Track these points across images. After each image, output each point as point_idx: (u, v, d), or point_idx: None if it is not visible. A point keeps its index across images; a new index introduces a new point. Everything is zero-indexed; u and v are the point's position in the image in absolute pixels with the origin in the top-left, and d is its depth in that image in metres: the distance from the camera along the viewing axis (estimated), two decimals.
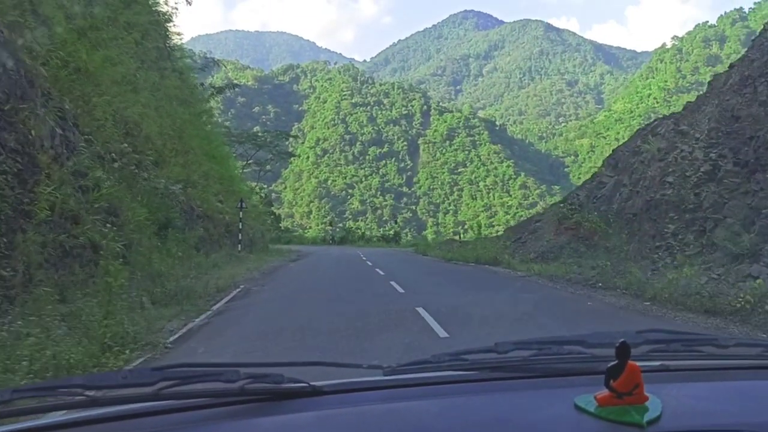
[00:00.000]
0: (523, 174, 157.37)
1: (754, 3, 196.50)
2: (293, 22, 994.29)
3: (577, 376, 1.56)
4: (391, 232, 77.13)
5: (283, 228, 75.36)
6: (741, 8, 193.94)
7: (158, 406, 1.39)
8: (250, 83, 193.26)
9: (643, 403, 1.27)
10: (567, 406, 1.31)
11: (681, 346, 1.76)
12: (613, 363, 1.29)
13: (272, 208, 74.42)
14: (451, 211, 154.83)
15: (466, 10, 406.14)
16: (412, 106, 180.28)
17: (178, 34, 30.13)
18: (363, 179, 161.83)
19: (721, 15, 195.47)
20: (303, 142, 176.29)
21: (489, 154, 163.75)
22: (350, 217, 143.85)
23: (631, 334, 1.62)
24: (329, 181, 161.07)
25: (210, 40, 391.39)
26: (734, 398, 1.47)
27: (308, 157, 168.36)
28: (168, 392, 1.37)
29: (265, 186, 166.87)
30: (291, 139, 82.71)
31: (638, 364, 1.34)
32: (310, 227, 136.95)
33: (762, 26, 22.18)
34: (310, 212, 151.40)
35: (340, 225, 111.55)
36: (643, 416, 1.22)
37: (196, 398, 1.42)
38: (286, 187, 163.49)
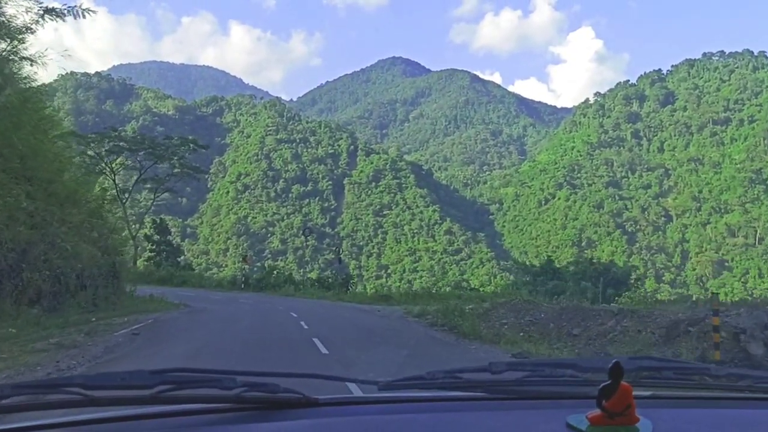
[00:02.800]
0: (448, 219, 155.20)
1: (672, 66, 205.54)
2: (221, 57, 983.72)
3: (570, 399, 1.56)
4: (333, 277, 52.20)
5: (182, 265, 60.41)
6: (660, 69, 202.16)
7: (155, 410, 1.40)
8: (170, 112, 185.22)
9: (635, 424, 1.29)
10: (559, 425, 1.33)
11: (673, 373, 1.78)
12: (605, 383, 1.31)
13: (170, 238, 60.43)
14: (374, 254, 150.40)
15: (394, 57, 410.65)
16: (339, 145, 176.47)
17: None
18: (285, 217, 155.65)
19: (641, 75, 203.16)
20: (224, 177, 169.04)
21: (415, 198, 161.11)
22: (269, 256, 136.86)
23: (625, 360, 1.61)
24: (249, 218, 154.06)
25: (133, 69, 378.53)
26: (725, 426, 1.50)
27: (228, 192, 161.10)
28: (166, 396, 1.39)
29: (180, 220, 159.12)
30: (200, 150, 66.80)
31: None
32: (226, 265, 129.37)
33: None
34: (227, 250, 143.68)
35: (259, 263, 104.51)
36: None
37: (193, 403, 1.44)
38: (202, 222, 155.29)
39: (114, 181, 56.45)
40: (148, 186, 64.93)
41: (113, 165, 56.30)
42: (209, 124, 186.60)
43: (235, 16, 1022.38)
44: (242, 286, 47.52)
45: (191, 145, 61.58)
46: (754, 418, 1.59)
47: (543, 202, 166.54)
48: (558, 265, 42.20)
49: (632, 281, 36.59)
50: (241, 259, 60.61)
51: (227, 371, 1.55)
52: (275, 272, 52.42)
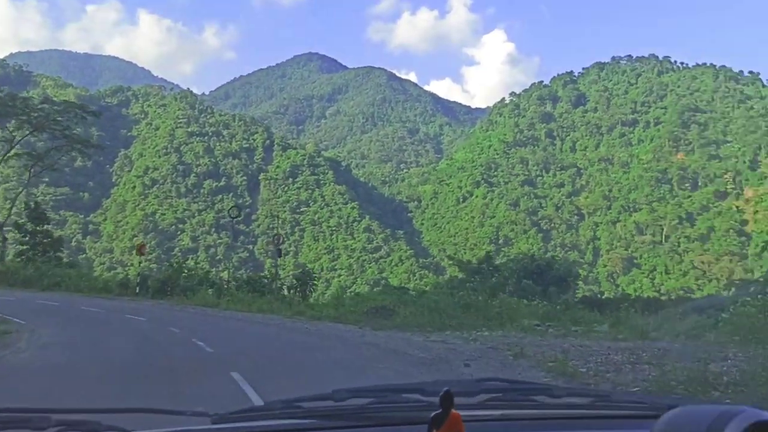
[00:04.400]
0: (368, 217, 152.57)
1: (583, 68, 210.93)
2: (128, 48, 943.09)
3: (411, 424, 1.54)
4: (271, 276, 39.31)
5: (66, 261, 48.47)
6: (572, 72, 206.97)
7: None
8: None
9: None
10: None
11: (517, 395, 1.78)
12: (436, 412, 1.29)
13: (48, 227, 46.62)
14: (291, 252, 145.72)
15: (311, 52, 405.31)
16: (254, 139, 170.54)
17: None
18: (196, 214, 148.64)
19: (554, 76, 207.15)
20: (130, 170, 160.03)
21: (333, 195, 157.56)
22: (179, 254, 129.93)
23: (470, 383, 1.65)
24: (157, 215, 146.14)
25: (32, 58, 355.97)
26: None
27: (134, 187, 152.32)
28: None
29: (81, 216, 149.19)
30: (90, 118, 52.91)
31: (473, 411, 1.36)
32: (132, 264, 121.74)
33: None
34: (133, 248, 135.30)
35: (167, 263, 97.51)
36: None
37: None
38: (106, 219, 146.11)
39: None
40: (23, 163, 53.69)
41: None
42: (114, 115, 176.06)
43: (144, 5, 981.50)
44: (137, 290, 34.33)
45: (78, 111, 49.40)
46: None
47: (461, 200, 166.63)
48: (497, 262, 39.97)
49: (571, 279, 34.73)
50: (135, 250, 45.59)
51: (41, 409, 1.42)
52: (186, 271, 38.98)
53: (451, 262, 59.56)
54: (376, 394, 1.77)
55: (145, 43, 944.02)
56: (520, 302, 25.16)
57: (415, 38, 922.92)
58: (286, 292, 35.77)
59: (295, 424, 1.63)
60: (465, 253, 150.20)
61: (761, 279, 23.84)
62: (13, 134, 47.56)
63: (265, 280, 37.37)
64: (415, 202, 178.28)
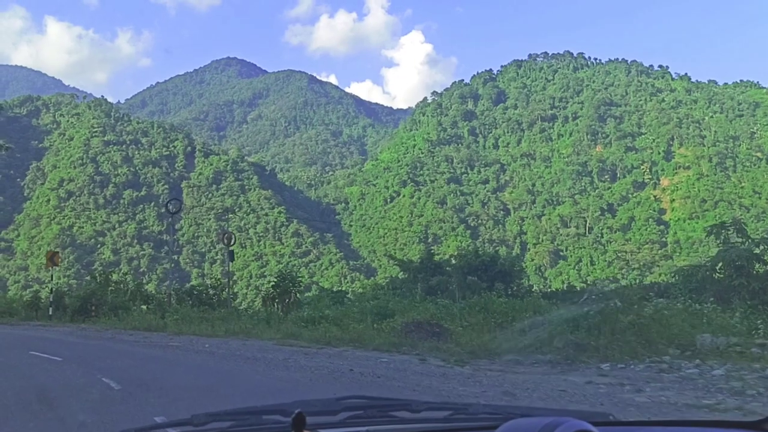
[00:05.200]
0: (295, 221, 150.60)
1: (501, 66, 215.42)
2: (36, 57, 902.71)
3: None
4: (219, 285, 32.78)
5: None
6: (491, 70, 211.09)
7: None
8: None
9: None
10: None
11: (377, 411, 1.80)
12: None
13: None
14: (218, 261, 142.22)
15: (229, 57, 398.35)
16: (175, 146, 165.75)
17: None
18: (116, 226, 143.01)
19: (474, 75, 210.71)
20: (43, 183, 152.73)
21: (259, 200, 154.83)
22: (100, 268, 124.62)
23: (331, 402, 1.66)
24: (75, 228, 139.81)
25: None
26: None
27: (49, 200, 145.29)
28: None
29: None
30: None
31: (335, 430, 1.40)
32: (49, 280, 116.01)
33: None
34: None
35: (87, 278, 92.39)
36: None
37: None
38: (19, 235, 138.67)
39: None
40: None
41: None
42: (24, 126, 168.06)
43: (52, 12, 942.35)
44: (50, 312, 27.76)
45: None
46: None
47: (388, 200, 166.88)
48: (438, 259, 39.64)
49: (516, 271, 34.77)
50: (45, 261, 34.15)
51: None
52: (113, 284, 31.80)
53: (392, 261, 58.40)
54: (235, 417, 1.75)
55: (54, 52, 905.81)
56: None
57: (334, 41, 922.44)
58: (241, 304, 32.89)
59: None
60: (396, 252, 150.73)
61: (708, 263, 24.02)
62: None
63: (212, 291, 30.43)
64: (343, 204, 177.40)
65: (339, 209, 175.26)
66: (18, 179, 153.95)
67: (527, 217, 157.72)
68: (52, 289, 29.29)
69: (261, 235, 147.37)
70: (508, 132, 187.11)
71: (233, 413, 1.82)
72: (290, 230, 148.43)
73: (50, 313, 27.62)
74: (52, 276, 31.05)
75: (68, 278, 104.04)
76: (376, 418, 1.79)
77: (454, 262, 36.19)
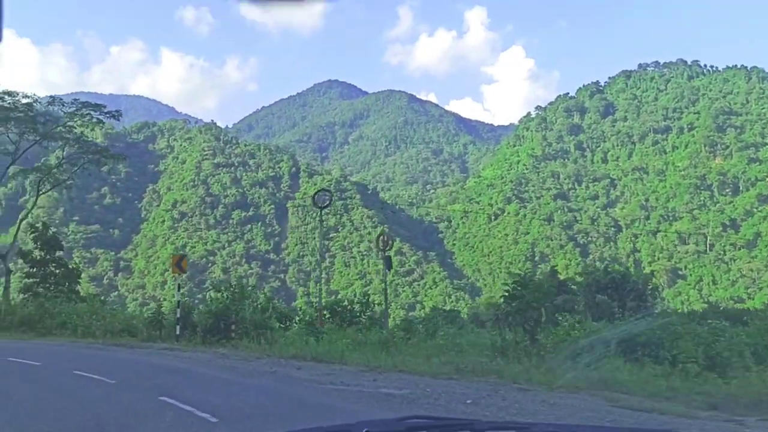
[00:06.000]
0: (398, 239, 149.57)
1: (609, 78, 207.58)
2: (152, 86, 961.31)
3: None
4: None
5: (83, 295, 36.65)
6: (597, 82, 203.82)
7: None
8: (99, 140, 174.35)
9: None
10: None
11: (440, 431, 1.67)
12: None
13: (60, 254, 36.47)
14: (323, 280, 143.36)
15: (330, 80, 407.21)
16: (280, 167, 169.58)
17: None
18: (226, 245, 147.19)
19: (580, 87, 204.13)
20: (158, 205, 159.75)
21: (362, 219, 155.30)
22: (210, 287, 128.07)
23: (393, 422, 1.66)
24: (188, 248, 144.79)
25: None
26: None
27: (164, 221, 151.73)
28: None
29: (112, 252, 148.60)
30: (105, 118, 41.18)
31: None
32: (164, 299, 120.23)
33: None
34: (165, 282, 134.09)
35: (200, 296, 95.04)
36: None
37: None
38: (137, 255, 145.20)
39: None
40: (30, 177, 43.46)
41: None
42: (141, 151, 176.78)
43: (167, 44, 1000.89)
44: (177, 331, 22.45)
45: (92, 114, 39.18)
46: None
47: (492, 218, 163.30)
48: (563, 277, 36.83)
49: (650, 290, 31.50)
50: (171, 266, 28.59)
51: None
52: (263, 304, 25.16)
53: (511, 278, 54.65)
54: None
55: (168, 80, 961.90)
56: None
57: (433, 59, 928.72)
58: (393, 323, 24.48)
59: None
60: (500, 271, 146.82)
61: None
62: (18, 145, 38.77)
63: (356, 307, 25.09)
64: (445, 223, 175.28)
65: (441, 227, 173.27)
66: (136, 201, 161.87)
67: (641, 234, 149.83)
68: (179, 303, 23.44)
69: (364, 254, 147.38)
70: (617, 145, 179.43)
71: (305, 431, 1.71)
72: (393, 249, 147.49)
73: (177, 332, 22.55)
74: (178, 286, 24.50)
75: (182, 296, 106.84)
76: None
77: (580, 279, 33.27)
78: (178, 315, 22.98)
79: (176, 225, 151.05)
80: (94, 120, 39.41)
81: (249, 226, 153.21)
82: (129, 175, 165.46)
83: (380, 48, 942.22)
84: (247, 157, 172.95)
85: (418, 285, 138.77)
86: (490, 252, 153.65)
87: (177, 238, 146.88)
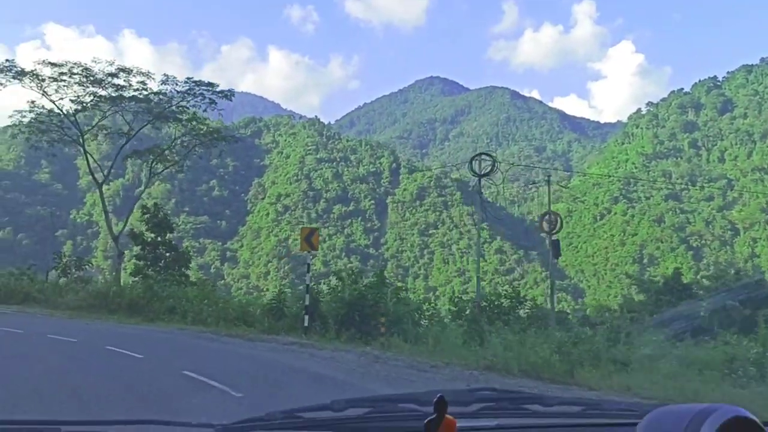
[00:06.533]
0: (498, 238, 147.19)
1: (728, 72, 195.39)
2: (259, 83, 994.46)
3: None
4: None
5: (193, 279, 35.82)
6: (715, 77, 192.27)
7: None
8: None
9: None
10: None
11: (509, 404, 1.81)
12: (431, 417, 1.31)
13: (171, 237, 35.68)
14: (421, 276, 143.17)
15: (432, 76, 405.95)
16: (381, 163, 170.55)
17: None
18: (327, 239, 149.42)
19: (696, 83, 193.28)
20: (263, 198, 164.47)
21: (462, 216, 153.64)
22: (312, 280, 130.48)
23: (463, 393, 1.70)
24: (290, 240, 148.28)
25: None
26: None
27: (268, 214, 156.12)
28: None
29: (219, 243, 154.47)
30: (217, 98, 38.36)
31: (468, 421, 1.39)
32: (267, 290, 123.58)
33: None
34: (268, 273, 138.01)
35: (300, 286, 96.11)
36: None
37: None
38: (242, 245, 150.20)
39: (85, 152, 38.22)
40: (143, 159, 41.36)
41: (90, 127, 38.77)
42: (248, 146, 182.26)
43: (274, 42, 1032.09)
44: (305, 324, 19.10)
45: (205, 94, 37.14)
46: None
47: (598, 218, 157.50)
48: (686, 280, 34.44)
49: None
50: (300, 241, 22.99)
51: (49, 421, 1.39)
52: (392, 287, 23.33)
53: (630, 280, 52.25)
54: (372, 404, 1.78)
55: (274, 78, 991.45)
56: None
57: (538, 55, 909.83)
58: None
59: None
60: (605, 273, 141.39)
61: None
62: (131, 125, 37.73)
63: (505, 302, 22.02)
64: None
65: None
66: (242, 194, 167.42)
67: (760, 239, 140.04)
68: (307, 288, 19.72)
69: (464, 251, 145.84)
70: (736, 144, 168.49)
71: (370, 400, 1.83)
72: (493, 247, 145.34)
73: (305, 324, 18.73)
74: (308, 266, 20.72)
75: (286, 286, 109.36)
76: (509, 410, 1.79)
77: (707, 283, 30.86)
78: (307, 302, 19.25)
79: (280, 218, 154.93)
80: (207, 100, 37.55)
81: (349, 220, 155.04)
82: (236, 168, 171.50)
83: (483, 44, 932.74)
84: (348, 153, 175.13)
85: (519, 284, 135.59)
86: (595, 253, 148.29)
87: (280, 231, 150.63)
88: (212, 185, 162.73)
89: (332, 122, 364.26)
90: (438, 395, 1.35)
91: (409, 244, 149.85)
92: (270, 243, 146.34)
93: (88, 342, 16.77)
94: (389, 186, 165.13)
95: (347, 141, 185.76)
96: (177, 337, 19.18)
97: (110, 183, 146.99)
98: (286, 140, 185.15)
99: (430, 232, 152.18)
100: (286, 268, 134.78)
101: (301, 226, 39.86)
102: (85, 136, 38.04)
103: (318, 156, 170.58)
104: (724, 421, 1.09)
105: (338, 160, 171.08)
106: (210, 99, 37.44)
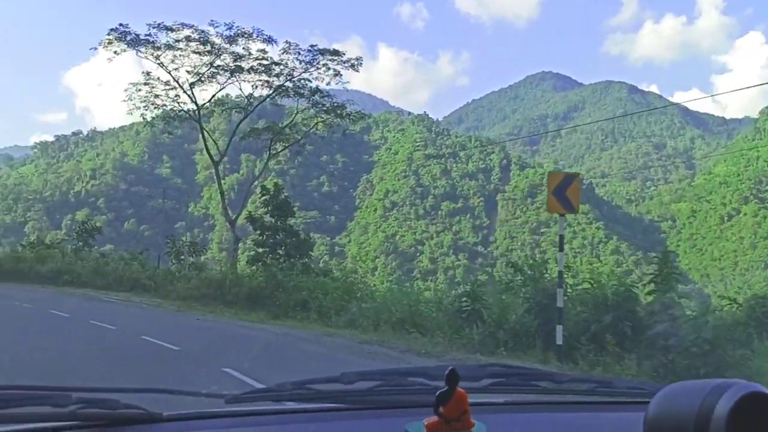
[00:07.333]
0: (615, 238, 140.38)
1: None
2: (368, 81, 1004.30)
3: (417, 407, 1.57)
4: None
5: (316, 269, 32.87)
6: None
7: None
8: (320, 131, 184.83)
9: (470, 429, 1.33)
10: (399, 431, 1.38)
11: (519, 380, 1.82)
12: (442, 390, 1.32)
13: (291, 222, 33.47)
14: None
15: (543, 72, 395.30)
16: (491, 159, 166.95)
17: None
18: (434, 236, 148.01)
19: None
20: (371, 194, 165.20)
21: (576, 215, 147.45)
22: (419, 276, 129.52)
23: (473, 368, 1.70)
24: (397, 236, 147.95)
25: None
26: (561, 429, 1.55)
27: (376, 210, 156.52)
28: None
29: (328, 238, 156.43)
30: (343, 68, 34.15)
31: (478, 396, 1.42)
32: (374, 285, 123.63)
33: None
34: (376, 269, 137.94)
35: (407, 282, 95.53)
36: None
37: (22, 423, 1.33)
38: (350, 241, 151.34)
39: (201, 128, 35.33)
40: (263, 138, 37.24)
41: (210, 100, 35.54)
42: (357, 142, 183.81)
43: (383, 39, 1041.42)
44: (558, 342, 12.03)
45: (329, 64, 33.30)
46: (590, 421, 1.66)
47: (725, 219, 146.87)
48: None
49: None
50: (548, 193, 13.28)
51: (60, 387, 1.44)
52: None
53: None
54: (382, 377, 1.79)
55: (383, 75, 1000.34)
56: None
57: (658, 48, 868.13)
58: None
59: (308, 406, 1.69)
60: (733, 278, 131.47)
61: None
62: (249, 100, 34.94)
63: None
64: (669, 222, 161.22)
65: (664, 227, 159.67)
66: (351, 190, 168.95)
67: None
68: (560, 274, 13.36)
69: (577, 251, 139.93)
70: None
71: (380, 373, 1.84)
72: (609, 247, 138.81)
73: (558, 341, 12.10)
74: (560, 240, 14.40)
75: (393, 283, 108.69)
76: (519, 386, 1.79)
77: None
78: (560, 304, 12.35)
79: (387, 214, 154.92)
80: (331, 71, 33.53)
81: (457, 217, 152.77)
82: (345, 164, 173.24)
83: (599, 37, 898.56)
84: (457, 149, 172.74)
85: (636, 288, 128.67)
86: (722, 256, 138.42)
87: (388, 227, 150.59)
88: (322, 181, 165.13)
89: (440, 119, 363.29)
90: (449, 368, 1.37)
91: (519, 243, 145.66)
92: (377, 239, 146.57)
93: (196, 354, 12.40)
94: (499, 183, 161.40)
95: (456, 137, 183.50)
96: (334, 351, 13.80)
97: (224, 178, 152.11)
98: (394, 136, 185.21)
99: (542, 230, 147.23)
100: (394, 264, 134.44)
101: (550, 172, 27.89)
102: (202, 112, 35.46)
103: (426, 152, 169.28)
104: (740, 396, 1.06)
105: (447, 156, 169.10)
106: (335, 70, 33.58)
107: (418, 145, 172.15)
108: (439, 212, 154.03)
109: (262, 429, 1.47)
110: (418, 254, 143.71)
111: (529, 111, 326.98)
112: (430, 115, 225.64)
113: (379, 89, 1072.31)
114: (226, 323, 18.82)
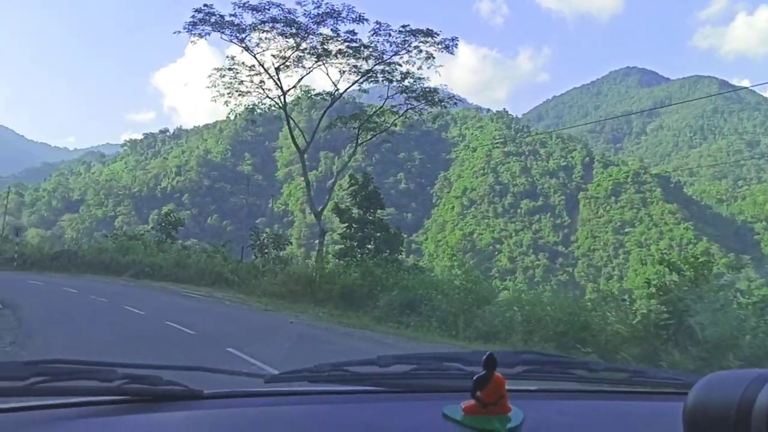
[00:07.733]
0: (705, 239, 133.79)
1: None
2: (447, 78, 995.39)
3: (453, 391, 1.58)
4: None
5: (412, 264, 33.78)
6: None
7: (29, 402, 1.34)
8: (397, 128, 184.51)
9: (507, 413, 1.33)
10: (436, 415, 1.38)
11: (554, 367, 1.84)
12: (480, 374, 1.33)
13: (380, 214, 33.55)
14: (615, 277, 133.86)
15: (628, 67, 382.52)
16: (572, 157, 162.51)
17: None
18: (513, 234, 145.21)
19: None
20: (449, 192, 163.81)
21: (663, 214, 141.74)
22: (497, 275, 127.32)
23: (508, 354, 1.71)
24: (475, 235, 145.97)
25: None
26: (596, 417, 1.54)
27: (453, 207, 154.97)
28: (40, 387, 1.33)
29: (405, 235, 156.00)
30: (436, 50, 31.00)
31: (512, 383, 1.42)
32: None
33: None
34: (452, 267, 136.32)
35: (485, 281, 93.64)
36: (505, 425, 1.30)
37: (70, 396, 1.38)
38: (427, 238, 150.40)
39: (287, 115, 33.43)
40: (349, 126, 35.15)
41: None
42: (434, 139, 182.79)
43: (462, 36, 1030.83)
44: None
45: (421, 47, 30.64)
46: (625, 409, 1.66)
47: None
48: None
49: None
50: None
51: (107, 363, 1.49)
52: None
53: None
54: (419, 362, 1.81)
55: (461, 72, 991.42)
56: None
57: (752, 41, 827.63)
58: None
59: (345, 388, 1.71)
60: None
61: None
62: (335, 87, 32.71)
63: None
64: (764, 223, 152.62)
65: (759, 228, 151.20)
66: (428, 187, 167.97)
67: None
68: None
69: (664, 252, 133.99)
70: None
71: (416, 357, 1.87)
72: (699, 249, 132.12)
73: None
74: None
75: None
76: (553, 373, 1.79)
77: None
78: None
79: (465, 212, 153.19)
80: (423, 54, 30.65)
81: (537, 216, 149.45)
82: (422, 161, 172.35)
83: (687, 31, 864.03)
84: (537, 146, 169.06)
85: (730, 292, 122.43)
86: None
87: (465, 225, 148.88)
88: (399, 178, 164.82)
89: (519, 116, 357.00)
90: (487, 353, 1.37)
91: (602, 243, 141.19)
92: (455, 236, 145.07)
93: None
94: (581, 181, 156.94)
95: (536, 134, 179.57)
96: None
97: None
98: (472, 133, 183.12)
99: (626, 230, 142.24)
100: (471, 263, 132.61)
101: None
102: (287, 100, 33.61)
103: (505, 149, 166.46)
104: None
105: (526, 153, 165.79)
106: (427, 53, 30.68)
107: (497, 142, 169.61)
108: (519, 210, 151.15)
109: (300, 408, 1.50)
110: (496, 253, 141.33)
111: (613, 107, 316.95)
112: (509, 112, 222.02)
113: (456, 86, 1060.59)
114: (326, 329, 16.64)
